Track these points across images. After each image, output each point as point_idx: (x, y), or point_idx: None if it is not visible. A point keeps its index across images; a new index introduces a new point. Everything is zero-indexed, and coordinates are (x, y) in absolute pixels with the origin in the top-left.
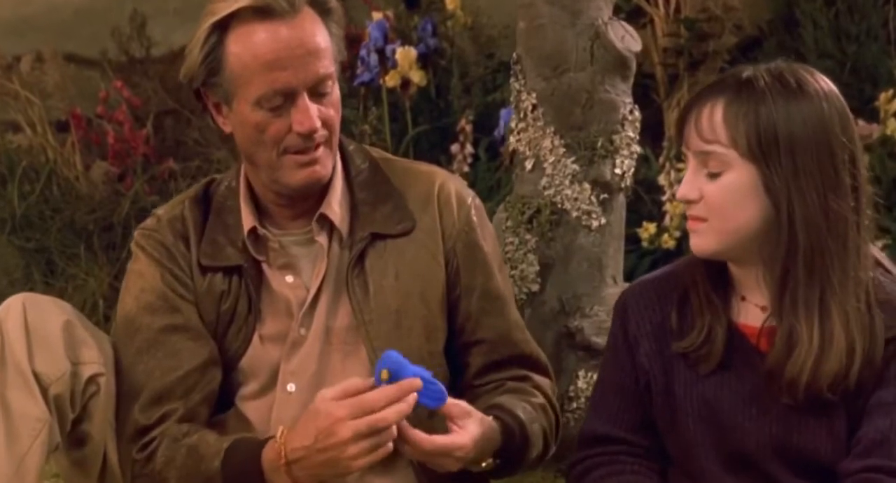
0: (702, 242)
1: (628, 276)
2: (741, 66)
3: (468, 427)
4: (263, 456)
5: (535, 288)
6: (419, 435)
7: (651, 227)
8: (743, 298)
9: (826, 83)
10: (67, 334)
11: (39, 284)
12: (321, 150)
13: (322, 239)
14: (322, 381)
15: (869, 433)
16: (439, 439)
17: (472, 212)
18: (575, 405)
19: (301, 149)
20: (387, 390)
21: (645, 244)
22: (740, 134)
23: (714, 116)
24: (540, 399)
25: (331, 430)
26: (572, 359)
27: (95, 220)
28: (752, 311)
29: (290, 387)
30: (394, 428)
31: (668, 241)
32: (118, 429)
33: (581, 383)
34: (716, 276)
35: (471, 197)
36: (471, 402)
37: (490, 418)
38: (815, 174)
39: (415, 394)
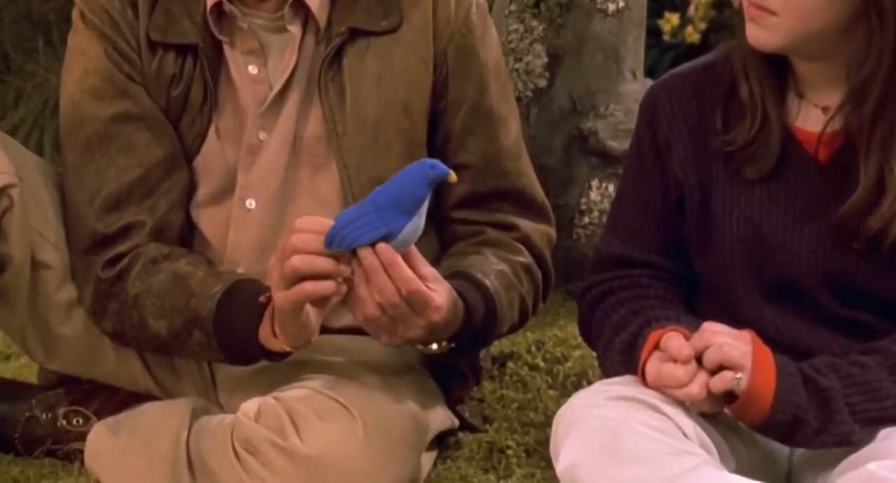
0: (765, 37)
1: (648, 74)
2: None
3: (440, 291)
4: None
5: (543, 83)
6: (407, 271)
7: (674, 19)
8: (801, 96)
9: None
10: None
11: None
12: None
13: (295, 29)
14: (287, 199)
15: None
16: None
17: (473, 10)
18: (587, 220)
19: None
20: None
21: (666, 38)
22: None
23: None
24: (524, 257)
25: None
26: (584, 166)
27: (55, 9)
28: (811, 113)
29: (250, 203)
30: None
31: (691, 35)
32: (69, 239)
33: (594, 195)
34: (769, 66)
35: None
36: (447, 242)
37: (455, 296)
38: None
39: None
